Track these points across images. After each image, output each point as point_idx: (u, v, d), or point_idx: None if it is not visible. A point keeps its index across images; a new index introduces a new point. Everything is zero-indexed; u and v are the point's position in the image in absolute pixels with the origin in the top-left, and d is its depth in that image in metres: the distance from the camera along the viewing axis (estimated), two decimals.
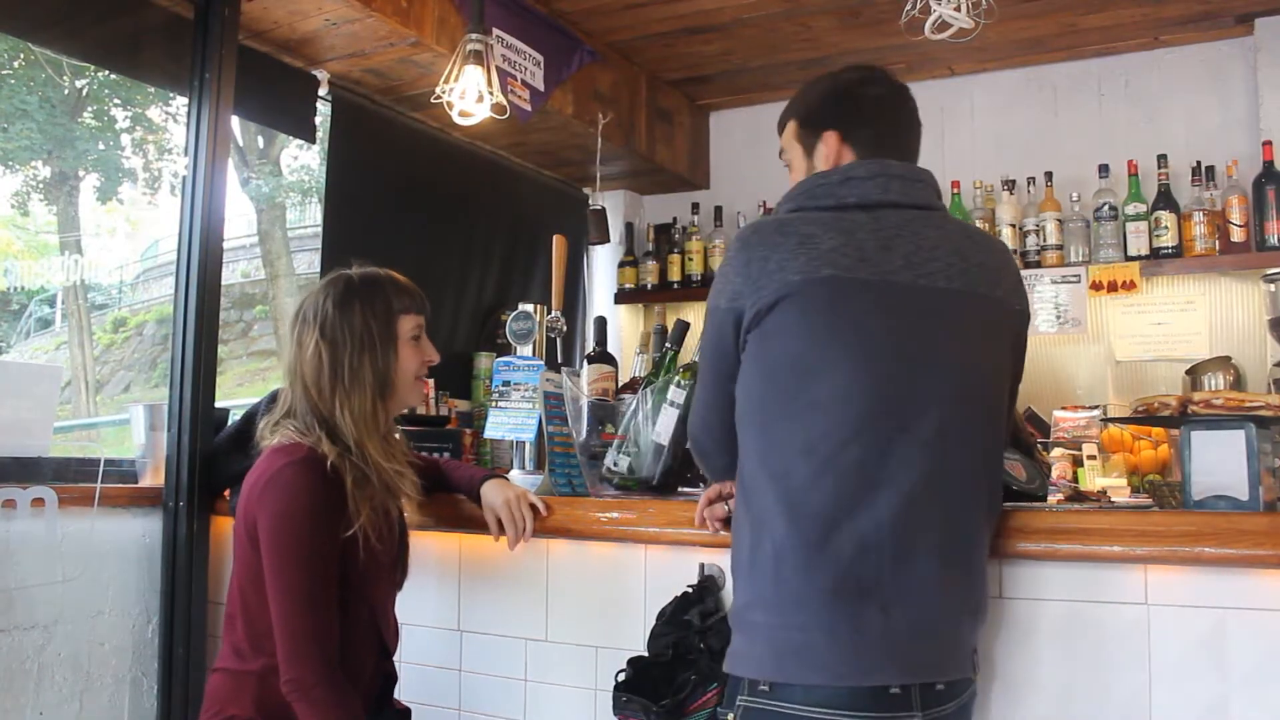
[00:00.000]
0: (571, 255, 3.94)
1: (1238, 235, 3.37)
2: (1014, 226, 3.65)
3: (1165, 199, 3.46)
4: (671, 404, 1.96)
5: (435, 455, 2.14)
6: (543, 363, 2.69)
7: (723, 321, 1.51)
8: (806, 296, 1.42)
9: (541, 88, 3.37)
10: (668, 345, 2.08)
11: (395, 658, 1.84)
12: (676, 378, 1.98)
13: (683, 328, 2.11)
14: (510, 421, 2.60)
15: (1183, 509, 1.67)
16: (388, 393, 1.72)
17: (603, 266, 4.44)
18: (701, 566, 1.83)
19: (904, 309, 1.44)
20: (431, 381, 3.32)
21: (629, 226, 4.44)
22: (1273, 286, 2.47)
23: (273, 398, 2.32)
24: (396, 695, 1.86)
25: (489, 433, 2.67)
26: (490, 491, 1.90)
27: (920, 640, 1.39)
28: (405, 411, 1.86)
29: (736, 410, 1.51)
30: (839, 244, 1.45)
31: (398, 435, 1.83)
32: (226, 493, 2.37)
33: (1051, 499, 2.18)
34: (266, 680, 1.63)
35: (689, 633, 1.77)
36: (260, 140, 9.84)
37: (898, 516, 1.38)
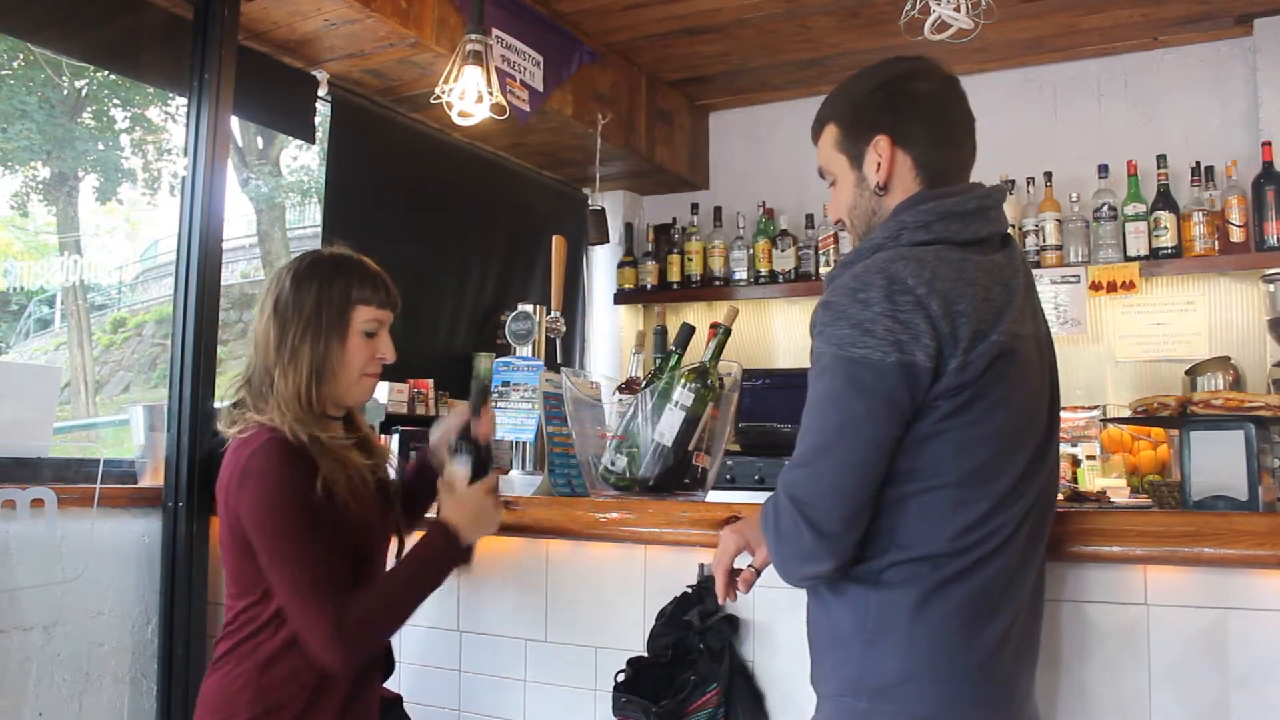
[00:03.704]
0: (571, 256, 3.94)
1: (1237, 235, 3.37)
2: (1014, 227, 3.65)
3: (1165, 199, 3.46)
4: (677, 405, 1.96)
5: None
6: (542, 363, 2.69)
7: (896, 378, 1.26)
8: (1008, 361, 1.30)
9: (541, 88, 3.37)
10: (673, 348, 2.07)
11: (396, 658, 1.83)
12: (681, 379, 1.97)
13: (688, 331, 2.11)
14: (510, 421, 2.60)
15: (1182, 509, 1.68)
16: (324, 380, 1.65)
17: (602, 267, 4.44)
18: (701, 566, 1.83)
19: (1049, 367, 1.43)
20: (431, 381, 3.32)
21: (628, 227, 4.44)
22: (1272, 286, 2.47)
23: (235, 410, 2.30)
24: (397, 691, 1.87)
25: None
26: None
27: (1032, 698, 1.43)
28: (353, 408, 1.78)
29: (909, 484, 1.30)
30: (1005, 296, 1.33)
31: (339, 435, 1.72)
32: None
33: None
34: (265, 672, 1.61)
35: (689, 633, 1.77)
36: (260, 140, 9.84)
37: (1039, 584, 1.41)
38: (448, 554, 1.65)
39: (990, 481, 1.30)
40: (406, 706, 1.95)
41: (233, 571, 1.67)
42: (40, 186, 8.92)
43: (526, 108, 3.30)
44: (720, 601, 1.56)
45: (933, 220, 1.35)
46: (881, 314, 1.27)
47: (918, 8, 2.42)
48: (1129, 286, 3.47)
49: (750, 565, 1.54)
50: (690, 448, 1.99)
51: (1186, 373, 3.28)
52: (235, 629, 1.66)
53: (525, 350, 2.77)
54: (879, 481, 1.30)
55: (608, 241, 3.97)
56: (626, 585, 1.94)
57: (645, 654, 1.81)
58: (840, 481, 1.28)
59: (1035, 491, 1.36)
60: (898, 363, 1.25)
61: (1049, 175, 3.66)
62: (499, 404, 2.66)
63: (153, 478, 2.42)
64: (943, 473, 1.29)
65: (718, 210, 4.27)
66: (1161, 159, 3.47)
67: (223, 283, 2.50)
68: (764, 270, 4.09)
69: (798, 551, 1.31)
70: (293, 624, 1.57)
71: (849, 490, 1.28)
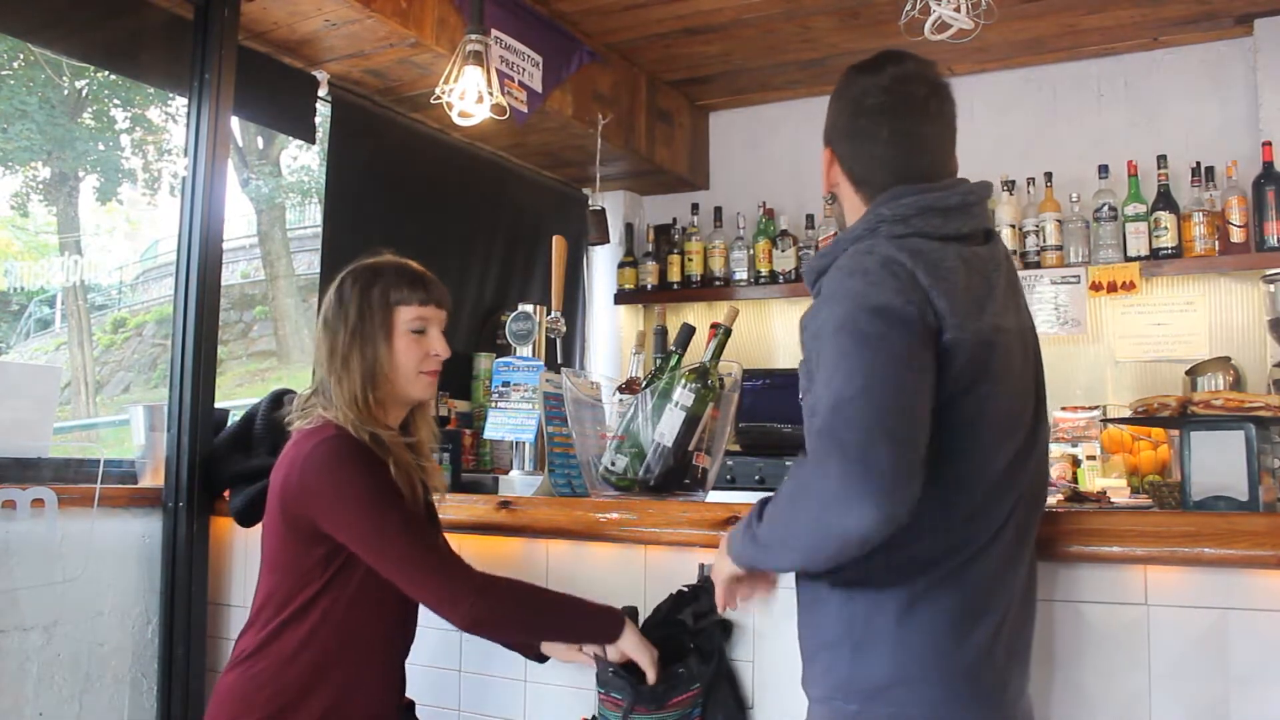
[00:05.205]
0: (571, 256, 3.94)
1: (1237, 236, 3.37)
2: (1014, 227, 3.66)
3: (1165, 199, 3.46)
4: (677, 405, 1.96)
5: None
6: (542, 363, 2.69)
7: (918, 323, 1.22)
8: (988, 353, 1.29)
9: (539, 89, 3.37)
10: (673, 348, 2.07)
11: None
12: (682, 379, 1.97)
13: (688, 331, 2.11)
14: (510, 422, 2.60)
15: (1182, 509, 1.68)
16: (378, 382, 1.69)
17: (602, 267, 4.44)
18: (701, 567, 1.82)
19: (1034, 363, 1.43)
20: None
21: (629, 227, 4.44)
22: (1272, 287, 2.47)
23: (273, 398, 2.33)
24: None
25: (489, 433, 2.68)
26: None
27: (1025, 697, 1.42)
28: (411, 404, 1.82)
29: None
30: (984, 288, 1.33)
31: (404, 435, 1.77)
32: (226, 493, 2.37)
33: (1051, 499, 2.18)
34: (285, 669, 1.62)
35: (682, 632, 1.76)
36: (260, 140, 9.85)
37: (1029, 581, 1.41)
38: (604, 624, 1.69)
39: (974, 476, 1.30)
40: None
41: (277, 561, 1.68)
42: (40, 186, 8.93)
43: (524, 109, 3.30)
44: (720, 611, 1.56)
45: (911, 214, 1.34)
46: (886, 278, 1.25)
47: (918, 8, 2.42)
48: (1129, 287, 3.47)
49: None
50: (690, 448, 1.99)
51: (1187, 373, 3.28)
52: (263, 621, 1.67)
53: (525, 350, 2.77)
54: (928, 424, 1.20)
55: (608, 242, 3.96)
56: (626, 585, 1.94)
57: None
58: (884, 414, 1.16)
59: (1021, 488, 1.35)
60: (917, 312, 1.23)
61: (1049, 175, 3.66)
62: (499, 404, 2.66)
63: (153, 478, 2.42)
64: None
65: (718, 210, 4.27)
66: (1162, 159, 3.47)
67: (223, 283, 2.50)
68: (764, 270, 4.09)
69: (837, 494, 1.14)
70: (422, 599, 1.63)
71: (895, 422, 1.16)
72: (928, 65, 1.43)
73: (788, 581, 1.75)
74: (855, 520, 1.14)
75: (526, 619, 1.69)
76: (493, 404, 2.67)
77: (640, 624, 1.79)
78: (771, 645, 1.79)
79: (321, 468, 1.61)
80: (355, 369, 1.67)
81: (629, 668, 1.72)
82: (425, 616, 1.88)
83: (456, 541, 2.10)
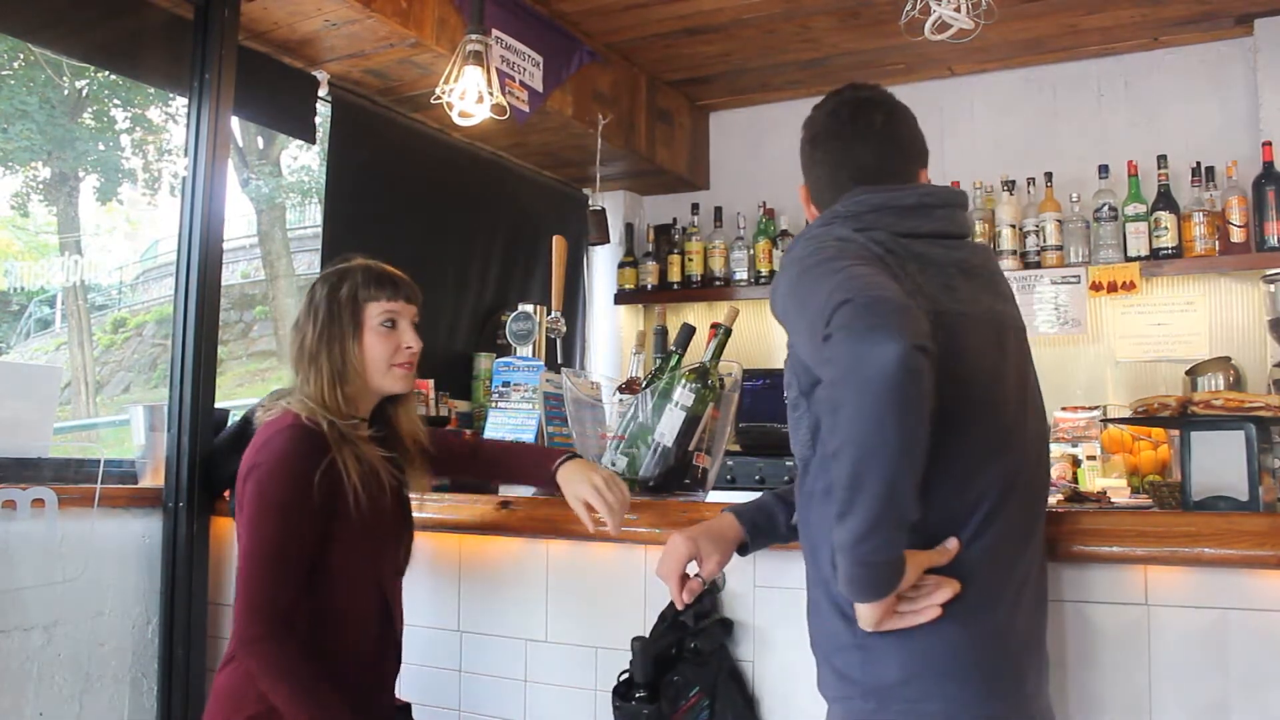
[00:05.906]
0: (571, 256, 3.94)
1: (1237, 236, 3.37)
2: (1014, 227, 3.65)
3: (1165, 199, 3.46)
4: (678, 405, 1.96)
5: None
6: (543, 363, 2.70)
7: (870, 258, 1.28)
8: (942, 328, 1.27)
9: (540, 89, 3.37)
10: (673, 348, 2.07)
11: None
12: (682, 379, 1.98)
13: (688, 331, 2.11)
14: (510, 422, 2.60)
15: (1182, 509, 1.68)
16: (348, 377, 1.72)
17: (602, 267, 4.44)
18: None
19: (1017, 352, 1.43)
20: (431, 381, 3.32)
21: (629, 227, 4.44)
22: (1272, 287, 2.47)
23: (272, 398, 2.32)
24: (396, 694, 1.86)
25: (489, 433, 2.67)
26: (573, 476, 1.80)
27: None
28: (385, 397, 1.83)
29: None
30: (939, 283, 1.35)
31: (366, 430, 1.77)
32: (226, 493, 2.37)
33: (1051, 499, 2.18)
34: None
35: (684, 634, 1.77)
36: (260, 141, 9.84)
37: (1039, 578, 1.40)
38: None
39: (938, 463, 1.24)
40: None
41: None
42: (41, 186, 8.93)
43: (525, 108, 3.30)
44: (679, 608, 1.57)
45: (864, 211, 1.38)
46: (838, 246, 1.31)
47: (918, 8, 2.42)
48: (1129, 287, 3.47)
49: (697, 575, 1.55)
50: (690, 448, 1.99)
51: (1187, 373, 3.28)
52: None
53: (525, 350, 2.77)
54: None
55: (608, 242, 3.96)
56: (626, 585, 1.94)
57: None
58: (858, 281, 1.18)
59: (1005, 481, 1.33)
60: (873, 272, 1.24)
61: (1049, 175, 3.66)
62: (499, 404, 2.66)
63: (153, 478, 2.42)
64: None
65: (718, 210, 4.27)
66: (1162, 159, 3.47)
67: (223, 283, 2.50)
68: (764, 270, 4.09)
69: (851, 338, 1.11)
70: (237, 598, 1.60)
71: (872, 281, 1.19)
72: (863, 89, 1.51)
73: (781, 580, 1.75)
74: (880, 352, 1.09)
75: (283, 692, 1.57)
76: (493, 404, 2.67)
77: (647, 631, 1.79)
78: (771, 643, 1.80)
79: (261, 457, 1.65)
80: (324, 366, 1.71)
81: (625, 693, 1.72)
82: (422, 616, 1.88)
83: (457, 541, 2.10)
